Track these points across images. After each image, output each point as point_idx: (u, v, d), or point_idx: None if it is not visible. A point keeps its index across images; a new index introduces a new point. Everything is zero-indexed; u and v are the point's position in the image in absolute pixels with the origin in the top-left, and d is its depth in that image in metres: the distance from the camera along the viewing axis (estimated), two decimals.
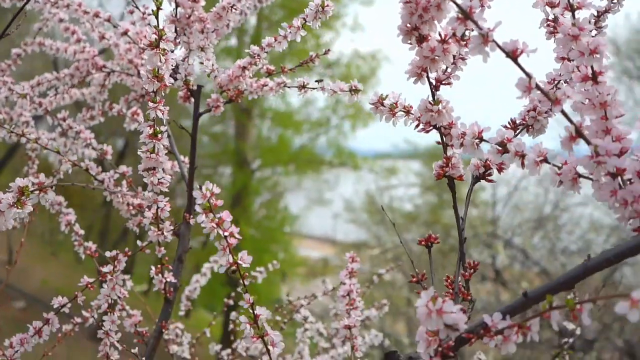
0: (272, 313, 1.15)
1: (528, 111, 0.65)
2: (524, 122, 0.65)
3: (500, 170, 0.63)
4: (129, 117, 1.14)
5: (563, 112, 0.48)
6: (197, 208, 0.58)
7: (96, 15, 1.05)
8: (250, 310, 0.61)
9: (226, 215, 0.59)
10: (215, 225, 0.58)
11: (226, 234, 0.59)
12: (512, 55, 0.48)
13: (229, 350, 1.33)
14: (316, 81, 0.91)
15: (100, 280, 0.92)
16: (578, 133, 0.49)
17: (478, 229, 7.08)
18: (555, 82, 0.65)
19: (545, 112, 0.64)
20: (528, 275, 6.46)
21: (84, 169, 0.94)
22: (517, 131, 0.65)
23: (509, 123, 0.65)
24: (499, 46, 0.48)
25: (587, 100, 0.52)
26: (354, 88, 0.80)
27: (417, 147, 10.92)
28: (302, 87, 0.89)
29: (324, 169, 11.69)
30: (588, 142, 0.49)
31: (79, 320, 1.05)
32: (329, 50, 0.94)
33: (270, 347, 0.61)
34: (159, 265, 0.91)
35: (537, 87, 0.48)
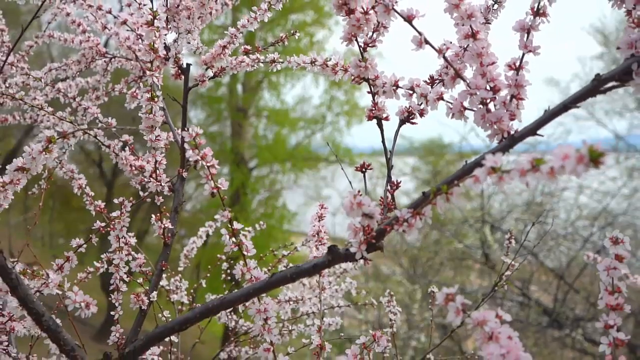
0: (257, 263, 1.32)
1: (442, 68, 0.83)
2: (440, 77, 0.83)
3: (421, 115, 0.82)
4: (129, 97, 1.32)
5: (444, 58, 0.67)
6: (186, 144, 0.76)
7: (99, 8, 1.24)
8: (230, 226, 0.80)
9: (208, 151, 0.78)
10: (200, 158, 0.77)
11: (209, 164, 0.77)
12: (408, 19, 0.67)
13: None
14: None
15: (109, 230, 1.11)
16: (457, 74, 0.68)
17: (470, 219, 7.28)
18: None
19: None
20: (517, 260, 6.67)
21: (93, 135, 1.12)
22: (434, 84, 0.83)
23: (428, 78, 0.84)
24: (397, 13, 0.66)
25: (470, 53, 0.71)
26: (313, 60, 0.98)
27: (413, 142, 11.10)
28: (273, 61, 1.08)
29: (320, 166, 11.86)
30: (464, 80, 0.67)
31: (91, 269, 1.23)
32: (296, 31, 1.13)
33: (245, 253, 0.80)
34: (158, 214, 1.10)
35: (426, 41, 0.67)
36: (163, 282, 1.38)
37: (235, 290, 0.74)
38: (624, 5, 0.64)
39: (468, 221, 6.29)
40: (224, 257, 1.40)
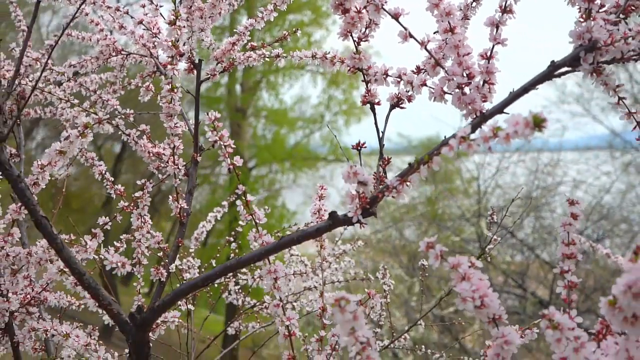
0: None
1: (427, 59, 0.95)
2: (425, 67, 0.95)
3: (409, 100, 0.94)
4: (143, 90, 1.44)
5: (426, 50, 0.79)
6: (206, 125, 0.88)
7: (117, 9, 1.36)
8: (244, 197, 0.92)
9: (225, 133, 0.90)
10: (218, 139, 0.89)
11: (226, 144, 0.89)
12: (395, 16, 0.79)
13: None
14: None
15: (131, 208, 1.22)
16: (437, 63, 0.80)
17: (466, 213, 7.42)
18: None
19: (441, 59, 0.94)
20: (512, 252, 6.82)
21: (114, 125, 1.24)
22: (421, 72, 0.95)
23: (415, 67, 0.95)
24: (386, 11, 0.78)
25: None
26: (314, 54, 1.10)
27: (411, 141, 11.24)
28: (278, 56, 1.20)
29: (319, 165, 11.98)
30: (443, 68, 0.79)
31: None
32: (297, 29, 1.25)
33: (257, 221, 0.92)
34: (175, 194, 1.22)
35: (410, 35, 0.79)
36: (176, 262, 1.50)
37: (250, 252, 0.86)
38: (577, 3, 0.76)
39: (465, 215, 6.42)
40: (231, 239, 1.52)
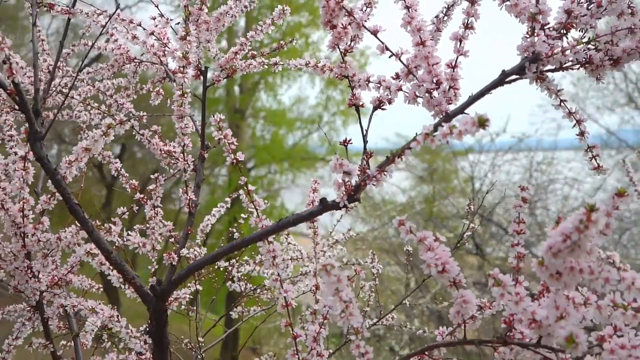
0: None
1: (402, 68, 1.10)
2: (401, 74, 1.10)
3: (389, 103, 1.08)
4: (154, 95, 1.59)
5: (400, 61, 0.94)
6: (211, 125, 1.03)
7: (131, 21, 1.50)
8: (246, 187, 1.07)
9: (229, 132, 1.04)
10: (222, 137, 1.03)
11: (229, 141, 1.04)
12: (374, 32, 0.93)
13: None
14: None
15: (145, 200, 1.37)
16: (409, 72, 0.95)
17: (461, 212, 7.56)
18: None
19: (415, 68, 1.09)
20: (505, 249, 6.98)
21: (130, 125, 1.38)
22: (398, 79, 1.10)
23: (395, 74, 1.10)
24: (366, 28, 0.93)
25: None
26: (307, 62, 1.25)
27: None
28: (275, 64, 1.34)
29: (318, 165, 12.13)
30: (414, 75, 0.94)
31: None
32: (292, 39, 1.39)
33: (257, 207, 1.06)
34: (184, 188, 1.36)
35: (387, 48, 0.93)
36: (184, 251, 1.64)
37: (252, 233, 1.01)
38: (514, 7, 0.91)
39: (459, 213, 6.57)
40: (235, 230, 1.66)
